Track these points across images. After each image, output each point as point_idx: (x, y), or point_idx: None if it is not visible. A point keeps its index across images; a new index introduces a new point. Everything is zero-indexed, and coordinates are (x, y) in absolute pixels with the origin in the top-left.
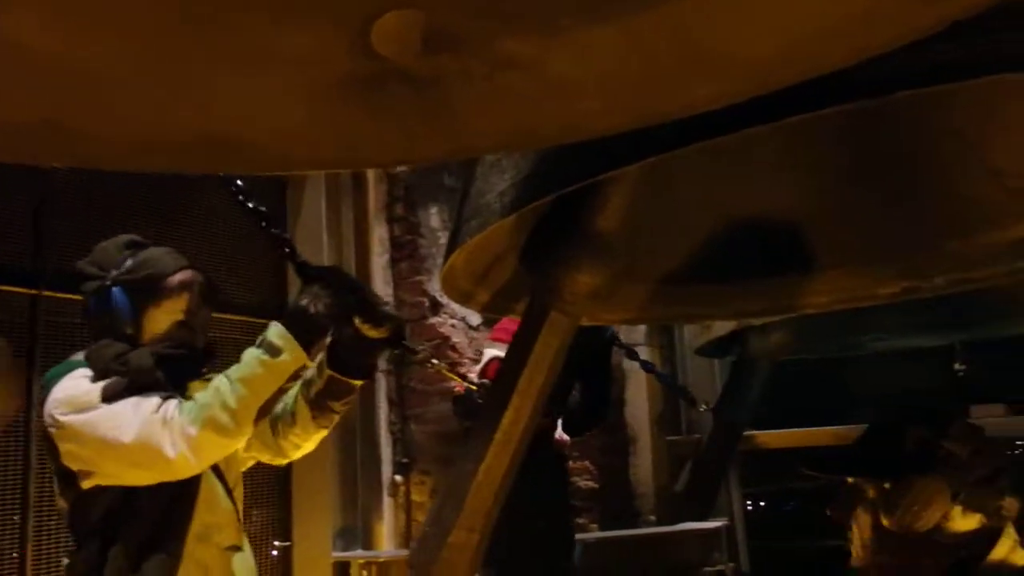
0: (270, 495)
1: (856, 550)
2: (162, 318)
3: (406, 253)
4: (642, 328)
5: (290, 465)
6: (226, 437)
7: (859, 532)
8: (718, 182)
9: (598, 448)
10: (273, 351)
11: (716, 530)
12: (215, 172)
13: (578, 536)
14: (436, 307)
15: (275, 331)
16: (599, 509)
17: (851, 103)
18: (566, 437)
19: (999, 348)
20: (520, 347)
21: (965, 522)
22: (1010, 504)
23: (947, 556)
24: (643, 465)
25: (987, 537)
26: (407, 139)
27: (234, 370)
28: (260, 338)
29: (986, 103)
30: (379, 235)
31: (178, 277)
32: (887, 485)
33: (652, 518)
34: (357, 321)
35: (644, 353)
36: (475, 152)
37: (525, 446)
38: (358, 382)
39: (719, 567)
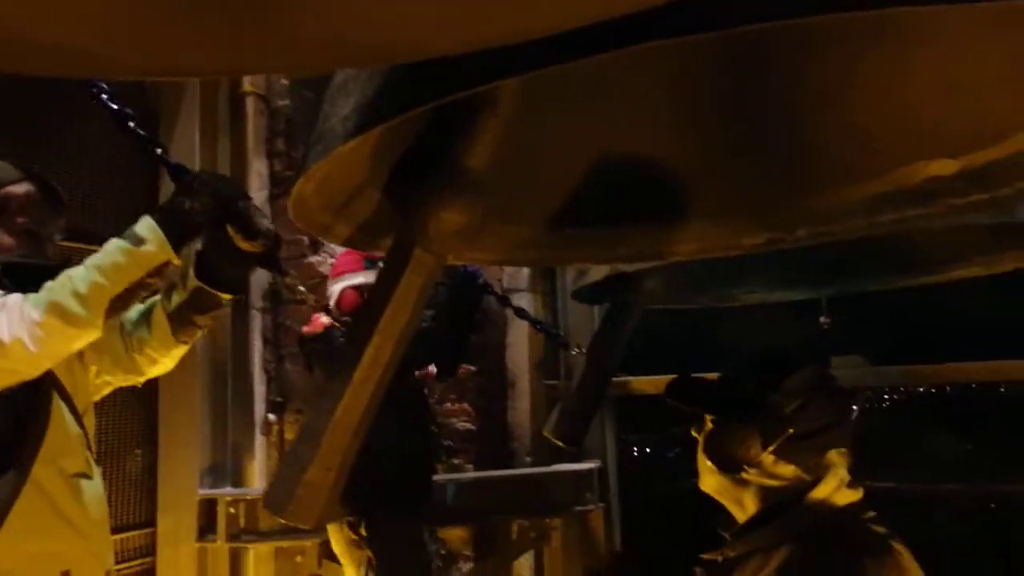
0: (136, 429)
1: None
2: (6, 229)
3: (285, 189)
4: (525, 273)
5: (157, 400)
6: (72, 326)
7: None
8: (589, 125)
9: (476, 390)
10: (136, 240)
11: (588, 472)
12: None
13: (453, 476)
14: (316, 246)
15: (143, 223)
16: (475, 451)
17: (717, 31)
18: (432, 371)
19: (860, 303)
20: (383, 285)
21: (779, 470)
22: (835, 457)
23: (778, 491)
24: (521, 408)
25: (808, 482)
26: (233, 47)
27: (91, 258)
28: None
29: (845, 57)
30: (258, 170)
31: (19, 187)
32: (739, 425)
33: (528, 459)
34: (231, 229)
35: (527, 299)
36: (308, 68)
37: (385, 386)
38: (226, 296)
39: (589, 507)
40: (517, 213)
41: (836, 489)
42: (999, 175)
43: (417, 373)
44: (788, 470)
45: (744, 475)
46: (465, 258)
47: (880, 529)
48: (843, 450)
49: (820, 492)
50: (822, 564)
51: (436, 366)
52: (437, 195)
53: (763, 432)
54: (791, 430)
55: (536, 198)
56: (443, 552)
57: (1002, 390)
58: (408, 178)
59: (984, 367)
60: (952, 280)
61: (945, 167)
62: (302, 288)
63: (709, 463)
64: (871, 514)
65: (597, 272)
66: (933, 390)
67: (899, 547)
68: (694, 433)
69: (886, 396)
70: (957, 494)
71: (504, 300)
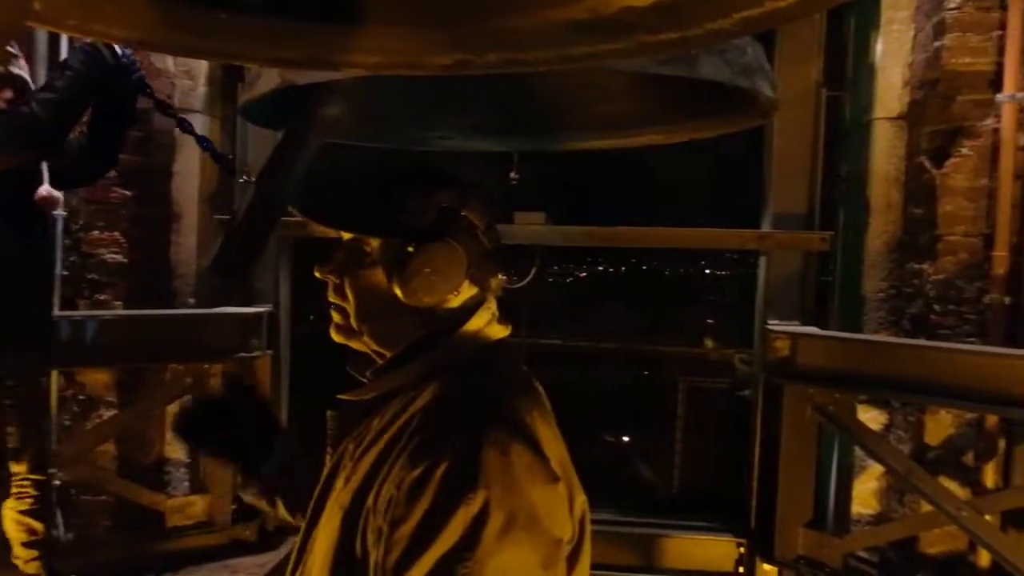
0: None
1: (339, 319)
2: None
3: None
4: (200, 93)
5: None
6: None
7: (354, 297)
8: None
9: (131, 219)
10: None
11: (256, 316)
12: None
13: (94, 313)
14: None
15: None
16: (127, 286)
17: None
18: (56, 195)
19: (546, 160)
20: None
21: (467, 295)
22: (497, 282)
23: (430, 324)
24: (187, 244)
25: (469, 310)
26: None
27: None
28: None
29: None
30: None
31: None
32: (411, 248)
33: (192, 301)
34: None
35: (202, 122)
36: None
37: None
38: None
39: (255, 353)
40: None
41: (488, 323)
42: (690, 13)
43: (41, 194)
44: (472, 293)
45: (426, 300)
46: (88, 29)
47: (523, 367)
48: (503, 278)
49: (473, 324)
50: (471, 397)
51: (72, 171)
52: None
53: (467, 252)
54: (488, 248)
55: None
56: (81, 397)
57: (667, 273)
58: None
59: (659, 232)
60: (637, 146)
61: None
62: None
63: (366, 295)
64: (514, 353)
65: (266, 83)
66: (611, 269)
67: (538, 386)
68: (326, 271)
69: (573, 273)
70: (613, 351)
71: (164, 106)
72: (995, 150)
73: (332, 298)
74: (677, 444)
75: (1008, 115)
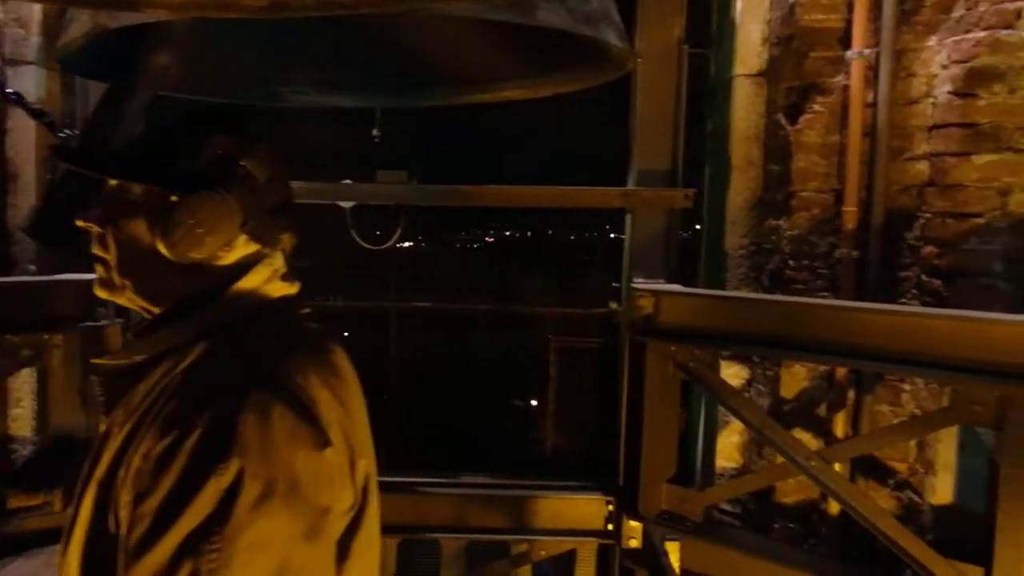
0: None
1: (101, 272)
2: None
3: None
4: (33, 44)
5: None
6: None
7: (116, 249)
8: None
9: None
10: None
11: None
12: None
13: None
14: None
15: None
16: None
17: None
18: None
19: (408, 117)
20: None
21: (244, 250)
22: (288, 239)
23: (200, 281)
24: (24, 206)
25: (245, 266)
26: None
27: None
28: None
29: None
30: None
31: None
32: (174, 198)
33: (32, 268)
34: None
35: (35, 75)
36: None
37: None
38: None
39: (102, 322)
40: None
41: (269, 279)
42: None
43: None
44: (251, 250)
45: (203, 260)
46: None
47: (314, 326)
48: (293, 235)
49: (250, 282)
50: (235, 359)
51: None
52: None
53: (242, 206)
54: (272, 202)
55: None
56: None
57: (550, 233)
58: None
59: (523, 191)
60: (499, 101)
61: None
62: None
63: (124, 244)
64: (306, 310)
65: (78, 28)
66: (489, 234)
67: (335, 346)
68: (86, 218)
69: (446, 238)
70: (485, 313)
71: None
72: (845, 107)
73: (95, 250)
74: (550, 404)
75: (857, 72)
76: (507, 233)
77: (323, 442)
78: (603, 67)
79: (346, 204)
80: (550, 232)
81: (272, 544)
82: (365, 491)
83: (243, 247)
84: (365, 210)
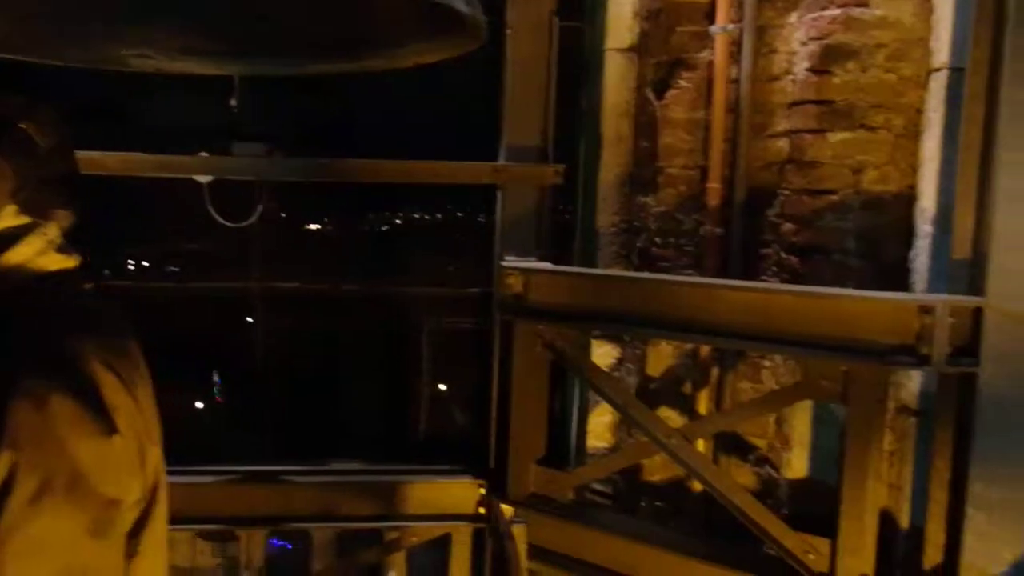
0: None
1: None
2: None
3: None
4: None
5: None
6: None
7: None
8: None
9: None
10: None
11: None
12: None
13: None
14: None
15: None
16: None
17: None
18: None
19: (269, 87)
20: None
21: (12, 221)
22: (65, 215)
23: None
24: None
25: (12, 237)
26: None
27: None
28: None
29: None
30: None
31: None
32: None
33: None
34: None
35: None
36: None
37: None
38: None
39: None
40: None
41: (42, 251)
42: None
43: None
44: (19, 221)
45: None
46: None
47: (98, 302)
48: (72, 212)
49: (19, 254)
50: (15, 337)
51: None
52: None
53: (16, 171)
54: (50, 172)
55: None
56: None
57: (415, 216)
58: None
59: (389, 166)
60: (359, 71)
61: None
62: None
63: None
64: (89, 285)
65: None
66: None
67: (122, 325)
68: None
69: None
70: (355, 294)
71: None
72: (710, 82)
73: None
74: (422, 387)
75: (721, 47)
76: (390, 213)
77: (109, 429)
78: (460, 37)
79: (203, 179)
80: (436, 213)
81: (52, 544)
82: (156, 482)
83: (11, 218)
84: (238, 187)
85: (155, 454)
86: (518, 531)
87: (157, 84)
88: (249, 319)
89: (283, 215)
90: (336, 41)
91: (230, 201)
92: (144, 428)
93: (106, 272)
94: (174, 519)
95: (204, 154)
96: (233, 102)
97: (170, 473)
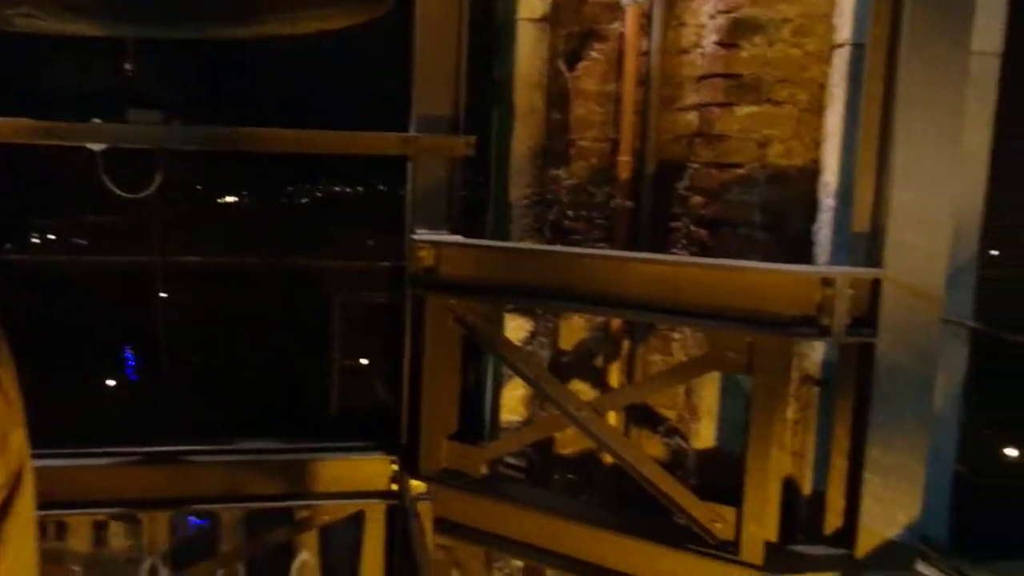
0: None
1: None
2: None
3: None
4: None
5: None
6: None
7: None
8: None
9: None
10: None
11: None
12: None
13: None
14: None
15: None
16: None
17: None
18: None
19: (168, 52)
20: None
21: None
22: None
23: None
24: None
25: None
26: None
27: None
28: None
29: None
30: None
31: None
32: None
33: None
34: None
35: None
36: None
37: None
38: None
39: None
40: None
41: None
42: None
43: None
44: None
45: None
46: None
47: None
48: None
49: None
50: None
51: None
52: None
53: None
54: None
55: None
56: None
57: (330, 190)
58: None
59: (292, 135)
60: (262, 36)
61: None
62: None
63: None
64: None
65: None
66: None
67: None
68: None
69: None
70: (262, 268)
71: None
72: (621, 54)
73: None
74: (335, 362)
75: (632, 19)
76: (311, 186)
77: None
78: (365, 3)
79: (97, 147)
80: (358, 187)
81: None
82: (20, 465)
83: None
84: (140, 157)
85: (18, 437)
86: (423, 508)
87: (51, 46)
88: (160, 294)
89: (198, 187)
90: (234, 4)
91: (137, 172)
92: (5, 410)
93: (7, 246)
94: (73, 503)
95: (97, 121)
96: (128, 66)
97: (68, 455)
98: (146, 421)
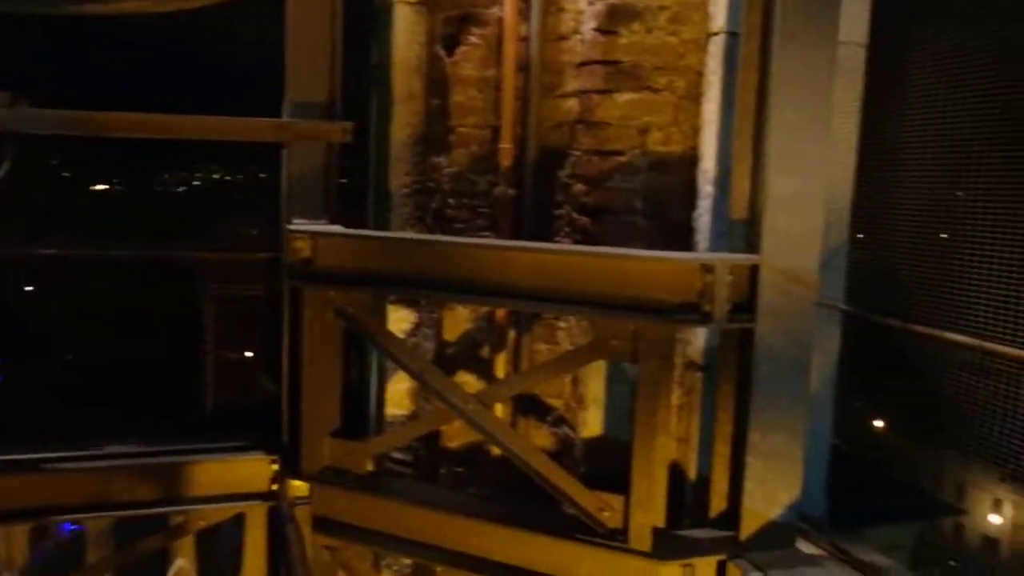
0: None
1: None
2: None
3: None
4: None
5: None
6: None
7: None
8: None
9: None
10: None
11: None
12: None
13: None
14: None
15: None
16: None
17: None
18: None
19: (18, 29)
20: None
21: None
22: None
23: None
24: None
25: None
26: None
27: None
28: None
29: None
30: None
31: None
32: None
33: None
34: None
35: None
36: None
37: None
38: None
39: None
40: None
41: None
42: None
43: None
44: None
45: None
46: None
47: None
48: None
49: None
50: None
51: None
52: None
53: None
54: None
55: None
56: None
57: (200, 181)
58: None
59: (159, 120)
60: (123, 14)
61: None
62: None
63: None
64: None
65: None
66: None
67: None
68: None
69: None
70: (128, 260)
71: None
72: (501, 39)
73: None
74: (208, 358)
75: (510, 4)
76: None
77: None
78: None
79: None
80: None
81: None
82: None
83: None
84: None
85: None
86: (300, 512)
87: None
88: (26, 288)
89: (65, 175)
90: None
91: None
92: None
93: None
94: None
95: None
96: None
97: None
98: (1, 424)
